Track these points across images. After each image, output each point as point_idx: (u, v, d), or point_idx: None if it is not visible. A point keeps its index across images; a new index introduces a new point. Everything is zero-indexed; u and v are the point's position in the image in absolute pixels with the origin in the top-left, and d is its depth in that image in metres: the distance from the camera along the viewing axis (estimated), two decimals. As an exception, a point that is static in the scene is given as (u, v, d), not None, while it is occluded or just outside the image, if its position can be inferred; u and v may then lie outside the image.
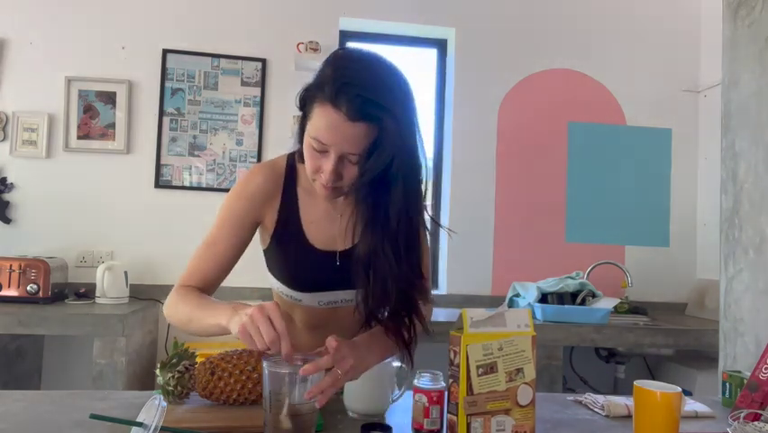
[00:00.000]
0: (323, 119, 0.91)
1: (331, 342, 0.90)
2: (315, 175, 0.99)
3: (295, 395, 0.85)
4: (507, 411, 0.90)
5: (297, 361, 0.88)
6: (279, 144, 2.82)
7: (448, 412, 0.93)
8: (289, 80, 2.86)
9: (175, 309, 1.08)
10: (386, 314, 1.07)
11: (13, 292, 2.36)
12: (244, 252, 1.15)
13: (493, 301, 2.89)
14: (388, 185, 0.96)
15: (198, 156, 2.82)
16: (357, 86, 0.89)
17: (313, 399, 0.86)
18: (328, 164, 0.94)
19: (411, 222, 1.00)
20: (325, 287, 1.14)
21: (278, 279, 1.18)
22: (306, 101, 0.96)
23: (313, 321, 1.20)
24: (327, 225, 1.13)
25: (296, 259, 1.13)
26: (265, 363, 0.86)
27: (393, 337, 1.04)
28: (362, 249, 1.02)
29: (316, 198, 1.11)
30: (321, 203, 1.12)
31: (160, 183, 2.79)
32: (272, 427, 0.86)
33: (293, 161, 1.15)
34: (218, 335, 0.99)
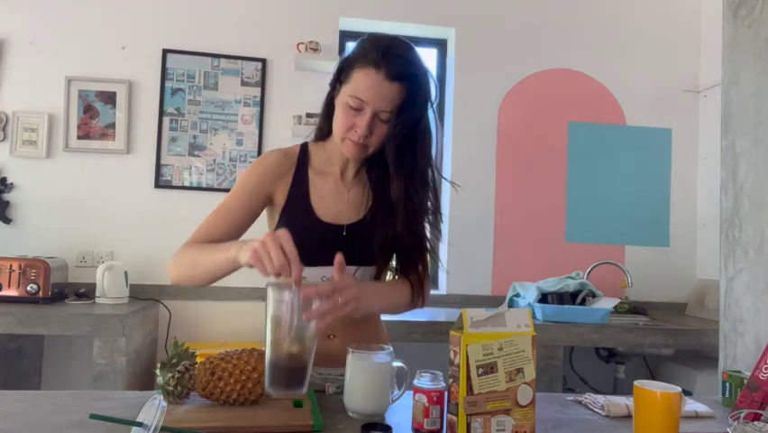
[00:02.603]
0: (364, 80, 1.06)
1: (338, 256, 0.98)
2: (347, 133, 1.10)
3: (295, 320, 0.88)
4: (507, 411, 0.90)
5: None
6: (279, 144, 2.78)
7: (448, 412, 0.93)
8: (289, 80, 2.87)
9: (179, 259, 1.13)
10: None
11: (13, 292, 2.36)
12: (252, 224, 1.21)
13: (493, 301, 2.89)
14: (408, 147, 1.11)
15: (198, 156, 2.82)
16: (396, 52, 1.07)
17: (311, 322, 0.90)
18: (363, 120, 1.08)
19: (426, 174, 1.16)
20: (327, 261, 1.16)
21: None
22: (344, 69, 1.11)
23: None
24: (335, 200, 1.20)
25: (303, 231, 1.15)
26: (269, 288, 0.88)
27: (407, 274, 1.17)
28: (396, 190, 1.13)
29: (326, 177, 1.22)
30: (330, 180, 1.22)
31: (160, 183, 2.79)
32: (273, 354, 0.89)
33: (306, 147, 1.25)
34: (222, 274, 1.05)
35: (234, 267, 1.03)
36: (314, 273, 1.17)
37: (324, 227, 1.18)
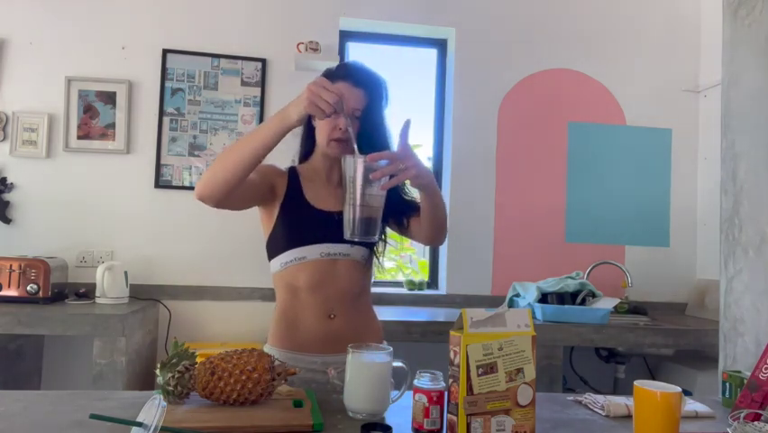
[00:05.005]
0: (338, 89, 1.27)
1: (407, 121, 1.15)
2: (332, 133, 1.32)
3: (366, 180, 1.10)
4: (507, 411, 0.91)
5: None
6: (279, 144, 2.81)
7: (448, 412, 0.93)
8: (289, 80, 2.86)
9: (216, 161, 1.23)
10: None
11: (13, 292, 2.36)
12: (250, 194, 1.34)
13: (493, 301, 2.89)
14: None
15: (198, 156, 2.81)
16: (357, 67, 1.38)
17: (378, 181, 1.11)
18: (342, 119, 1.28)
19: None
20: (325, 239, 1.35)
21: (285, 247, 1.35)
22: None
23: (316, 277, 1.35)
24: (326, 195, 1.41)
25: (302, 218, 1.37)
26: (345, 158, 1.13)
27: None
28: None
29: (315, 181, 1.42)
30: (318, 183, 1.42)
31: (160, 183, 2.78)
32: (350, 208, 1.12)
33: (293, 167, 1.45)
34: (265, 148, 1.19)
35: (283, 131, 1.19)
36: (314, 250, 1.35)
37: (320, 213, 1.37)
